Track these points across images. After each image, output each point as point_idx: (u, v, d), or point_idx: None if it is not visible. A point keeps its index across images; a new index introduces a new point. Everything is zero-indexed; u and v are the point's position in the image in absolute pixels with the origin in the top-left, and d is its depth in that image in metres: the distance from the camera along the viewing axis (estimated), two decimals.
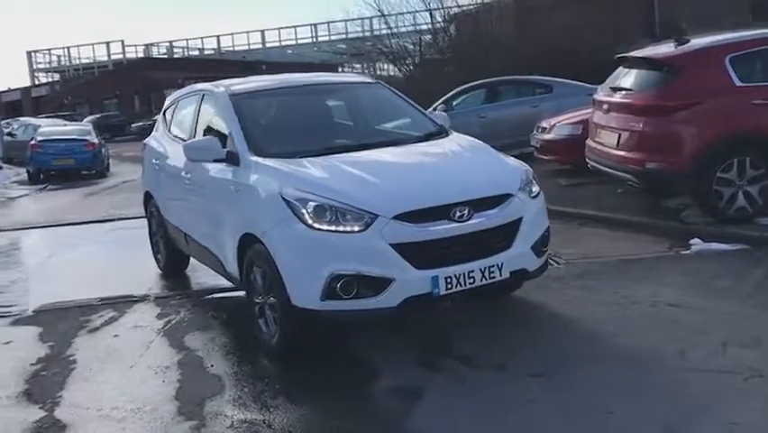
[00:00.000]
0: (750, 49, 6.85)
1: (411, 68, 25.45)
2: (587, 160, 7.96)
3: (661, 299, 5.04)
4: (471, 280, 4.21)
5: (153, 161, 6.60)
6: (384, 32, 32.43)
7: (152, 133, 7.03)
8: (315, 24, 54.79)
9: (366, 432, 3.61)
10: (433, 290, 4.10)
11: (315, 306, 4.12)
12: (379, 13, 25.56)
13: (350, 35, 49.87)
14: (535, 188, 4.68)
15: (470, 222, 4.21)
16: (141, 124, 38.71)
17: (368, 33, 46.91)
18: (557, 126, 9.73)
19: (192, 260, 6.60)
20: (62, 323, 5.54)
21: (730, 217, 6.68)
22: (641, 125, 6.87)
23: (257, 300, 4.62)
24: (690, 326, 4.55)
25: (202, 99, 5.84)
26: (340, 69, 41.45)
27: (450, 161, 4.82)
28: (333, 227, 4.08)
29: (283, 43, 57.03)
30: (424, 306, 4.29)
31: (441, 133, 5.32)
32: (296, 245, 4.17)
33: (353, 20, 39.23)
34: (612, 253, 6.26)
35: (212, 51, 57.37)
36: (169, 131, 6.54)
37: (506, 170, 4.71)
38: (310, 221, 4.11)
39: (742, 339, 4.25)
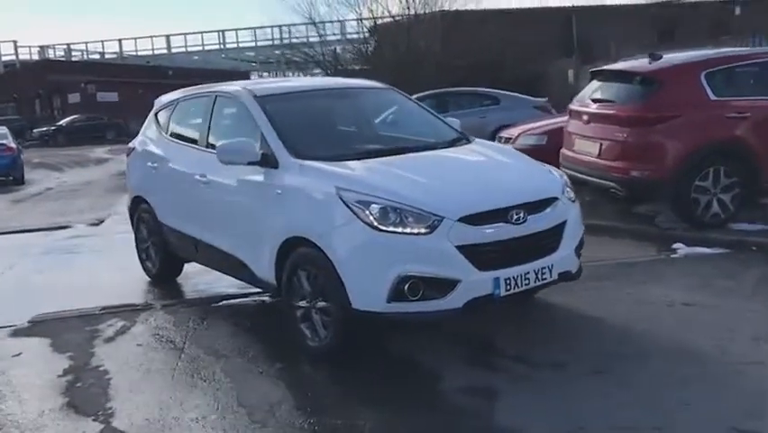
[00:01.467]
0: (722, 65, 7.33)
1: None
2: (562, 168, 8.25)
3: (674, 298, 5.29)
4: (527, 282, 4.31)
5: (148, 164, 6.35)
6: (295, 40, 32.39)
7: (140, 137, 6.77)
8: (222, 31, 54.10)
9: (464, 427, 3.63)
10: (494, 292, 4.18)
11: (379, 308, 4.10)
12: (309, 21, 25.41)
13: (259, 43, 49.61)
14: (572, 193, 4.84)
15: (525, 224, 4.32)
16: (44, 129, 36.89)
17: (278, 42, 46.67)
18: (522, 137, 10.02)
19: (187, 266, 6.45)
20: (69, 333, 5.25)
21: (705, 223, 7.11)
22: (625, 135, 7.21)
23: (300, 305, 4.55)
24: (714, 323, 4.81)
25: (215, 101, 5.69)
26: (251, 77, 41.05)
27: (495, 165, 4.92)
28: (398, 229, 4.08)
29: (189, 49, 55.78)
30: (484, 307, 4.35)
31: (464, 138, 5.42)
32: (360, 248, 4.14)
33: (262, 27, 38.86)
34: (609, 257, 6.51)
35: (113, 56, 55.37)
36: (167, 133, 6.33)
37: (548, 174, 4.85)
38: (375, 223, 4.09)
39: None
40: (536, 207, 4.43)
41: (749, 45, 12.49)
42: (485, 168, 4.89)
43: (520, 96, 13.76)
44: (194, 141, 5.86)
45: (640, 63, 7.90)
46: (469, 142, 5.36)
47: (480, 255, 4.14)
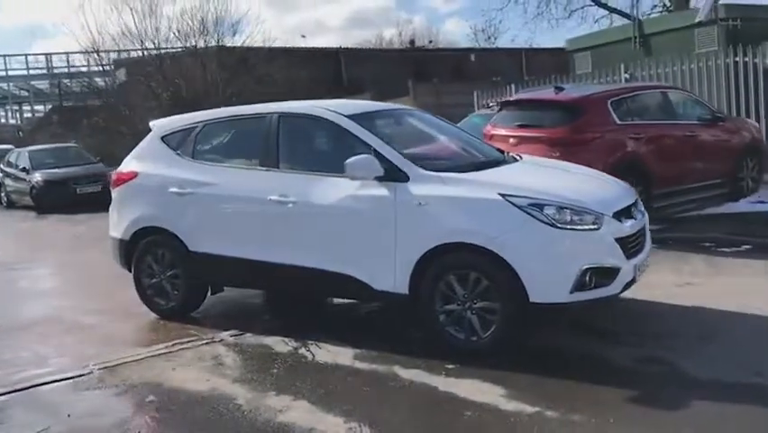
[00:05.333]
0: (621, 96, 8.90)
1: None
2: None
3: (675, 281, 6.41)
4: (642, 270, 5.08)
5: (171, 190, 5.92)
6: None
7: (145, 163, 6.23)
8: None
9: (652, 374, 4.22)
10: (635, 276, 4.89)
11: (562, 299, 4.57)
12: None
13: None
14: None
15: (639, 220, 5.11)
16: None
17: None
18: None
19: None
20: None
21: None
22: (557, 154, 8.30)
23: (447, 309, 4.80)
24: (734, 292, 5.95)
25: (278, 122, 5.61)
26: None
27: (581, 173, 5.62)
28: (575, 226, 4.61)
29: None
30: (626, 290, 5.00)
31: (505, 156, 5.98)
32: (542, 246, 4.57)
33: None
34: None
35: None
36: (193, 157, 5.99)
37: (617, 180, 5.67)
38: (554, 222, 4.57)
39: None
40: (636, 205, 5.24)
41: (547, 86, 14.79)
42: (576, 175, 5.58)
43: None
44: (249, 163, 5.69)
45: (547, 93, 9.21)
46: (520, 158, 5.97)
47: (625, 246, 4.82)
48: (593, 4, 27.88)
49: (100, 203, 17.05)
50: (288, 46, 24.59)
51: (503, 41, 39.35)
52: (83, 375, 4.88)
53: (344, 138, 5.32)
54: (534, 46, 31.30)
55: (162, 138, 6.26)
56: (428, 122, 6.24)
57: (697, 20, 12.81)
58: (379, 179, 5.00)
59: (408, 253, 4.89)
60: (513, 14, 54.89)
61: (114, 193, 6.47)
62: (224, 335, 5.57)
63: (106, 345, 5.59)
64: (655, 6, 27.11)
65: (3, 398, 4.57)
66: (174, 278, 6.08)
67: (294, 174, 5.46)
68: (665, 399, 4.03)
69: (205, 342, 5.42)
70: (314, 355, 5.02)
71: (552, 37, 59.40)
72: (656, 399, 4.04)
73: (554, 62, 29.12)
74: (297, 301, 6.71)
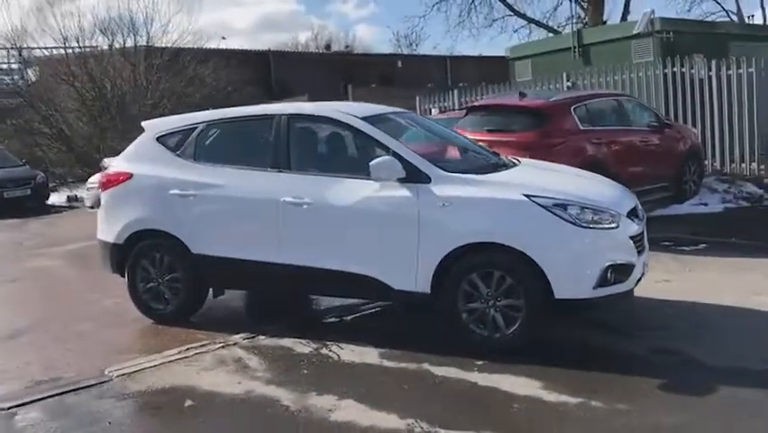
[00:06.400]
0: (581, 102, 9.30)
1: None
2: None
3: (653, 277, 6.75)
4: (646, 268, 5.37)
5: (173, 192, 5.80)
6: None
7: (140, 164, 6.06)
8: None
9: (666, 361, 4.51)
10: (643, 273, 5.17)
11: (586, 294, 4.79)
12: None
13: None
14: None
15: (642, 220, 5.40)
16: None
17: None
18: None
19: None
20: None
21: None
22: (529, 157, 8.66)
23: (467, 307, 4.94)
24: (711, 288, 6.39)
25: (288, 123, 5.59)
26: None
27: (585, 176, 5.87)
28: (597, 226, 4.84)
29: None
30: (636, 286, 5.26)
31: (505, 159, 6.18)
32: (569, 244, 4.78)
33: None
34: None
35: None
36: (195, 159, 5.89)
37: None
38: (579, 221, 4.78)
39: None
40: (638, 206, 5.54)
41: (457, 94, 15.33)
42: (583, 177, 5.82)
43: None
44: (258, 164, 5.64)
45: (511, 99, 9.52)
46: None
47: (636, 244, 5.09)
48: (512, 14, 28.82)
49: (29, 207, 16.44)
50: (217, 47, 24.17)
51: (425, 48, 40.19)
52: (103, 383, 4.72)
53: (361, 140, 5.38)
54: (457, 54, 32.00)
55: (158, 139, 6.12)
56: (427, 125, 6.37)
57: (635, 31, 13.50)
58: (401, 180, 5.08)
59: (432, 252, 4.99)
60: (434, 22, 56.01)
61: (105, 195, 6.27)
62: (236, 338, 5.51)
63: (111, 352, 5.42)
64: (570, 17, 28.31)
65: (32, 406, 4.39)
66: (173, 282, 5.95)
67: (307, 176, 5.46)
68: (690, 385, 4.29)
69: (220, 345, 5.34)
70: (338, 355, 5.05)
71: (473, 45, 61.35)
72: (681, 385, 4.29)
73: (479, 70, 29.99)
74: (283, 302, 6.78)
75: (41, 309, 7.01)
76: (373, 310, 6.12)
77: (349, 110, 5.63)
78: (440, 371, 4.66)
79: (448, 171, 5.14)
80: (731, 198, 10.98)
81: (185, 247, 5.82)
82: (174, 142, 6.04)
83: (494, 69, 30.02)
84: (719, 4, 30.23)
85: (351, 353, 5.08)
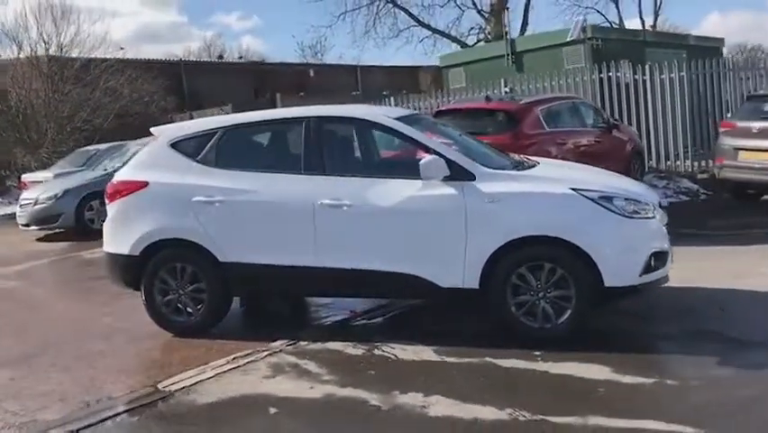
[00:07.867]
0: (545, 105, 9.68)
1: None
2: None
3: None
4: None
5: (196, 199, 5.61)
6: None
7: (155, 171, 5.81)
8: None
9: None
10: (672, 260, 5.47)
11: (634, 282, 5.03)
12: None
13: None
14: None
15: (664, 212, 5.71)
16: None
17: None
18: None
19: None
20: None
21: None
22: None
23: (516, 300, 5.08)
24: (706, 274, 6.81)
25: (320, 127, 5.54)
26: None
27: (605, 172, 6.12)
28: (639, 216, 5.09)
29: None
30: None
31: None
32: (618, 233, 5.01)
33: None
34: None
35: None
36: (216, 165, 5.72)
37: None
38: (624, 212, 5.02)
39: None
40: None
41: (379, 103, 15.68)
42: (604, 175, 6.07)
43: None
44: (289, 168, 5.56)
45: (477, 102, 9.80)
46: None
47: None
48: (417, 24, 29.45)
49: None
50: (125, 57, 23.25)
51: (330, 58, 40.24)
52: (165, 397, 4.51)
53: (399, 141, 5.40)
54: (366, 64, 32.28)
55: (172, 145, 5.89)
56: (441, 127, 6.46)
57: (569, 38, 14.14)
58: (446, 178, 5.15)
59: (481, 248, 5.08)
60: (340, 32, 56.23)
61: (114, 206, 5.96)
62: (277, 345, 5.38)
63: (150, 367, 5.21)
64: (472, 29, 29.30)
65: (100, 426, 4.14)
66: (196, 292, 5.74)
67: (343, 178, 5.42)
68: (745, 361, 4.57)
69: (267, 353, 5.20)
70: (395, 355, 5.04)
71: (379, 54, 61.97)
72: (737, 362, 4.57)
73: (388, 78, 30.44)
74: (281, 307, 6.84)
75: (36, 331, 6.52)
76: (399, 311, 6.16)
77: (380, 112, 5.65)
78: (505, 363, 4.75)
79: (491, 168, 5.26)
80: (671, 192, 11.70)
81: (211, 256, 5.64)
82: (192, 148, 5.83)
83: (403, 78, 30.65)
84: (603, 14, 32.11)
85: (404, 352, 5.09)
